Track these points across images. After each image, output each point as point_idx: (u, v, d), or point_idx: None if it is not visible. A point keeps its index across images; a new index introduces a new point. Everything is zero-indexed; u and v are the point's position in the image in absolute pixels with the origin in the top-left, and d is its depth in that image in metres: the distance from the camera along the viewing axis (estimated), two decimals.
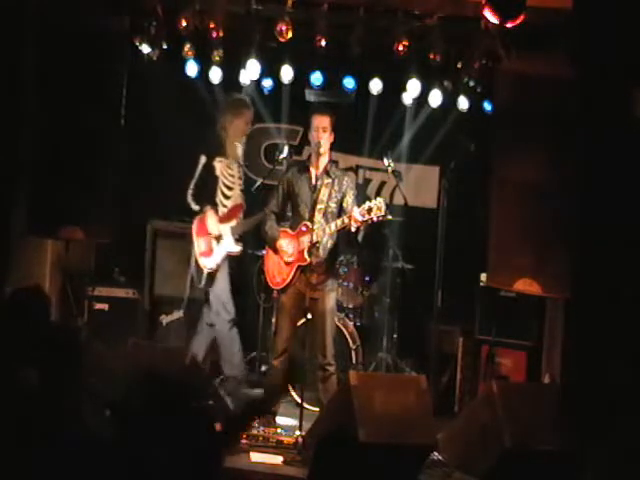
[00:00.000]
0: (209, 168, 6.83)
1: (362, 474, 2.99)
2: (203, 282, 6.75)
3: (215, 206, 6.79)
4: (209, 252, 6.76)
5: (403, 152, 8.21)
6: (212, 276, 6.74)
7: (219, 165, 6.82)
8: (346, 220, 6.03)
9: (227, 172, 6.83)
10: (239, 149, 6.95)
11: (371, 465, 3.19)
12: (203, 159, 6.84)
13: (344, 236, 6.27)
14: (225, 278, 6.79)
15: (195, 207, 6.80)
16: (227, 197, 6.85)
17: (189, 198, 6.80)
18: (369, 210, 5.91)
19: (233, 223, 6.81)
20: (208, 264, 6.74)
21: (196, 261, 6.80)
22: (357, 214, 5.92)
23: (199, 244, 6.78)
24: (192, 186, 6.81)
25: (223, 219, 6.79)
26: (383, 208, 5.91)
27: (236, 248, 6.82)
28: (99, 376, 3.45)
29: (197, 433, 2.80)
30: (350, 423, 5.20)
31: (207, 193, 6.80)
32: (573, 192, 5.97)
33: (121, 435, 2.91)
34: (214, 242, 6.75)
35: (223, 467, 2.88)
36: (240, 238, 6.85)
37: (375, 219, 5.93)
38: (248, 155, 8.52)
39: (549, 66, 6.27)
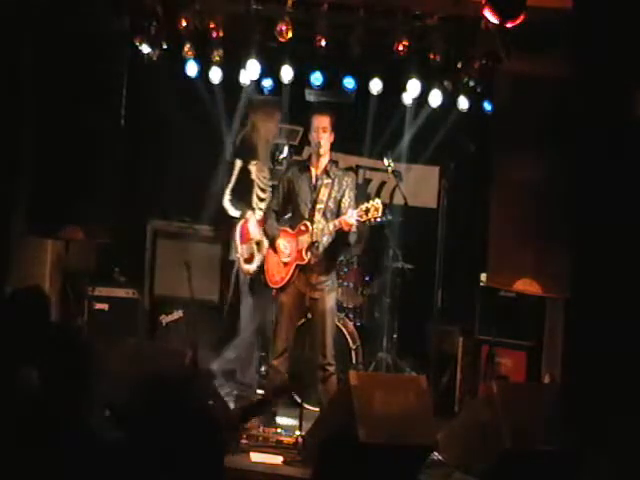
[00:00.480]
0: (245, 172, 6.75)
1: (362, 474, 2.99)
2: (246, 288, 6.71)
3: (253, 210, 6.74)
4: (251, 258, 6.69)
5: (403, 152, 8.20)
6: (253, 281, 6.71)
7: (254, 168, 6.72)
8: (337, 224, 6.05)
9: (261, 175, 6.75)
10: (268, 151, 6.88)
11: (371, 465, 3.19)
12: (239, 163, 6.74)
13: (340, 236, 6.27)
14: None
15: (235, 213, 6.69)
16: (262, 200, 6.75)
17: (226, 204, 6.68)
18: (366, 211, 5.91)
19: None
20: (251, 269, 6.70)
21: (240, 267, 6.75)
22: (349, 217, 5.95)
23: (242, 251, 6.70)
24: (229, 191, 6.70)
25: (262, 223, 6.68)
26: (381, 209, 5.92)
27: None
28: (99, 376, 3.45)
29: (197, 433, 2.80)
30: (350, 423, 5.20)
31: (244, 198, 6.73)
32: (573, 192, 5.97)
33: (121, 435, 2.91)
34: (255, 247, 6.69)
35: (224, 467, 2.88)
36: None
37: (373, 220, 5.95)
38: None
39: (549, 66, 6.27)
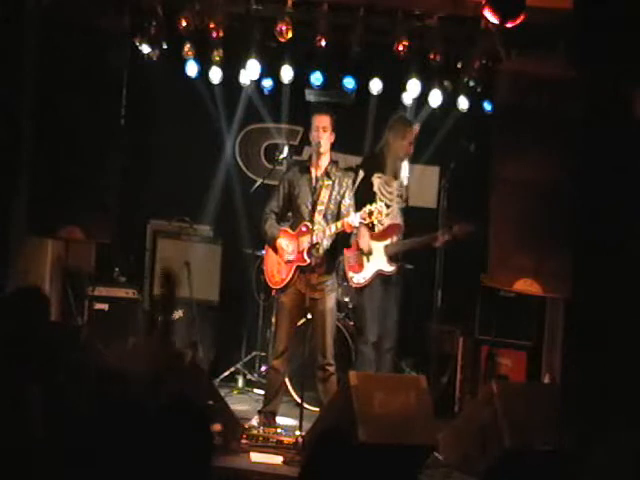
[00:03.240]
0: (366, 183, 6.70)
1: (362, 474, 2.99)
2: (349, 297, 6.69)
3: None
4: (358, 267, 6.68)
5: None
6: (360, 291, 6.70)
7: (377, 181, 6.67)
8: (339, 226, 6.06)
9: (386, 189, 6.68)
10: (404, 169, 6.75)
11: (371, 465, 3.20)
12: (361, 173, 6.72)
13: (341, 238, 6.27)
14: (391, 301, 6.74)
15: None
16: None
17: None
18: (370, 213, 5.93)
19: (387, 242, 6.70)
20: (355, 279, 6.68)
21: (345, 274, 6.75)
22: (352, 219, 5.98)
23: (348, 258, 6.69)
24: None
25: (377, 236, 6.64)
26: (384, 211, 5.94)
27: (389, 267, 6.69)
28: (99, 376, 3.45)
29: (197, 433, 2.80)
30: (350, 423, 5.20)
31: (359, 208, 6.66)
32: (573, 192, 5.97)
33: (120, 434, 2.91)
34: (365, 258, 6.65)
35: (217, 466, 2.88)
36: (394, 257, 6.73)
37: (376, 222, 5.96)
38: (248, 155, 8.56)
39: (549, 66, 6.28)
